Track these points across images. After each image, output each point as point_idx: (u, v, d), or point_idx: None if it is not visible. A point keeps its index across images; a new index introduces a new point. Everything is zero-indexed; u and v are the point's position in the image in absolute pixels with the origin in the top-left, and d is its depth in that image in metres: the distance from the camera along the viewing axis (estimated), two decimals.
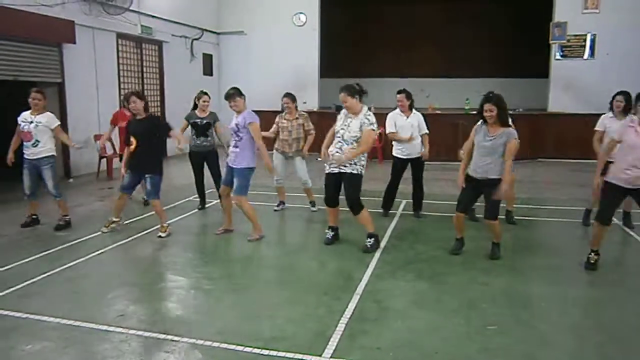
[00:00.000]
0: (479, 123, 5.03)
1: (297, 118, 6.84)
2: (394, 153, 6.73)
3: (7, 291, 4.37)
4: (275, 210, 7.16)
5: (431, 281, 4.64)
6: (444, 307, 4.07)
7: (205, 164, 7.02)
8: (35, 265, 5.00)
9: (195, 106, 6.93)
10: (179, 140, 5.99)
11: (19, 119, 6.20)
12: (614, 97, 6.09)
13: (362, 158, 5.30)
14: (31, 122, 6.13)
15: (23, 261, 5.10)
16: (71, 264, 5.04)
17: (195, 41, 14.14)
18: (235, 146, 5.63)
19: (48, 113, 6.31)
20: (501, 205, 5.13)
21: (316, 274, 4.90)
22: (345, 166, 5.27)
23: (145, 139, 5.81)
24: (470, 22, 17.31)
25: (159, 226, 6.04)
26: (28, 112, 6.21)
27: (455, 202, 5.30)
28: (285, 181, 7.25)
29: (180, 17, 13.36)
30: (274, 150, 6.98)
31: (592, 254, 4.92)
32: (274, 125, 6.97)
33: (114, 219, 6.16)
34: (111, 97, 10.86)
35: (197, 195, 7.40)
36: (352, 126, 5.20)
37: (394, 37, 17.89)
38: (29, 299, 4.24)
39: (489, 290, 4.41)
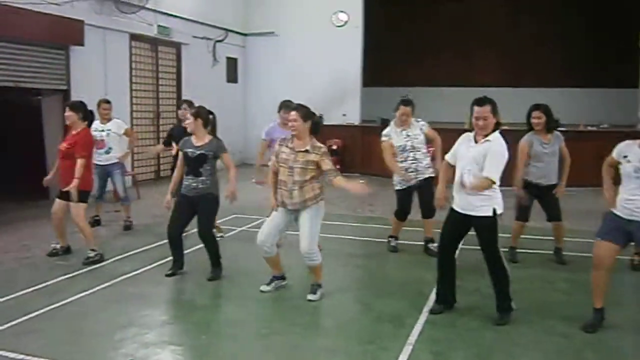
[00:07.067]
0: (528, 135, 6.18)
1: (306, 151, 4.97)
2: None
3: (5, 326, 4.49)
4: (263, 291, 5.37)
5: (499, 330, 4.54)
6: None
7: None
8: (34, 298, 5.11)
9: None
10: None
11: (91, 128, 6.82)
12: None
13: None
14: (102, 130, 7.65)
15: (23, 292, 5.22)
16: (73, 298, 5.14)
17: (218, 43, 14.46)
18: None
19: (115, 120, 7.91)
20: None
21: (360, 318, 4.86)
22: (422, 172, 6.45)
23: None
24: (540, 21, 17.16)
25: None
26: (97, 121, 7.37)
27: None
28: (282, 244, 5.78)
29: (201, 17, 13.70)
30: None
31: None
32: (272, 157, 5.30)
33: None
34: (122, 107, 11.13)
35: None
36: (415, 133, 6.46)
37: (450, 40, 17.82)
38: (27, 337, 4.33)
39: (571, 345, 4.30)
